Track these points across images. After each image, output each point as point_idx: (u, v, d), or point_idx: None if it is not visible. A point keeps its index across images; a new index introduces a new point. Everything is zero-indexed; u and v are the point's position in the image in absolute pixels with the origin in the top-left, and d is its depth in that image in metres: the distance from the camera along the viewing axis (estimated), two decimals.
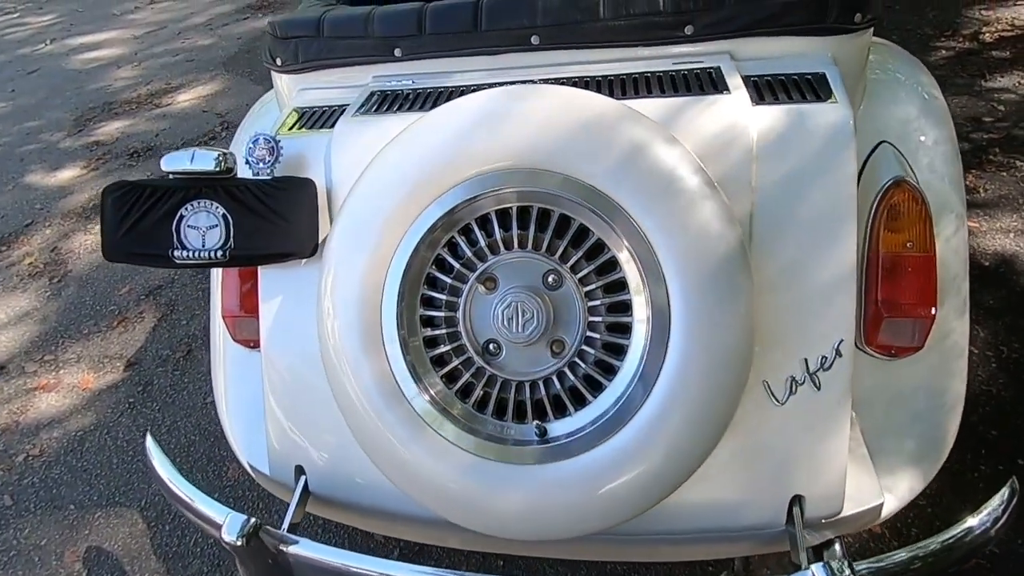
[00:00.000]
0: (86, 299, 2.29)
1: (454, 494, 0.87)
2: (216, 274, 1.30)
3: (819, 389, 0.90)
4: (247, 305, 1.19)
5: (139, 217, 1.01)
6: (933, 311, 0.98)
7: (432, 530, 1.06)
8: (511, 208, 0.88)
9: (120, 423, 1.80)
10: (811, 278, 0.90)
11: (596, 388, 0.87)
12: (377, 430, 0.89)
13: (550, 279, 0.88)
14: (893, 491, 1.00)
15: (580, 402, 0.88)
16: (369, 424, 0.90)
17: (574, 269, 0.87)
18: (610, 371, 0.87)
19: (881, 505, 0.97)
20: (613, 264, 0.86)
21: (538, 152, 0.83)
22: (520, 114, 0.85)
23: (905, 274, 0.98)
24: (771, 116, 0.90)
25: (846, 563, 0.78)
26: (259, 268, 1.07)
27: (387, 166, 0.90)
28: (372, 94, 1.11)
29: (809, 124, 0.89)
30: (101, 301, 2.26)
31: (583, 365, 0.88)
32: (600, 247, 0.86)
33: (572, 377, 0.88)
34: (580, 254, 0.86)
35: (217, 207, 1.00)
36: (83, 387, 1.93)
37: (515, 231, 0.88)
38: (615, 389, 0.86)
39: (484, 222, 0.89)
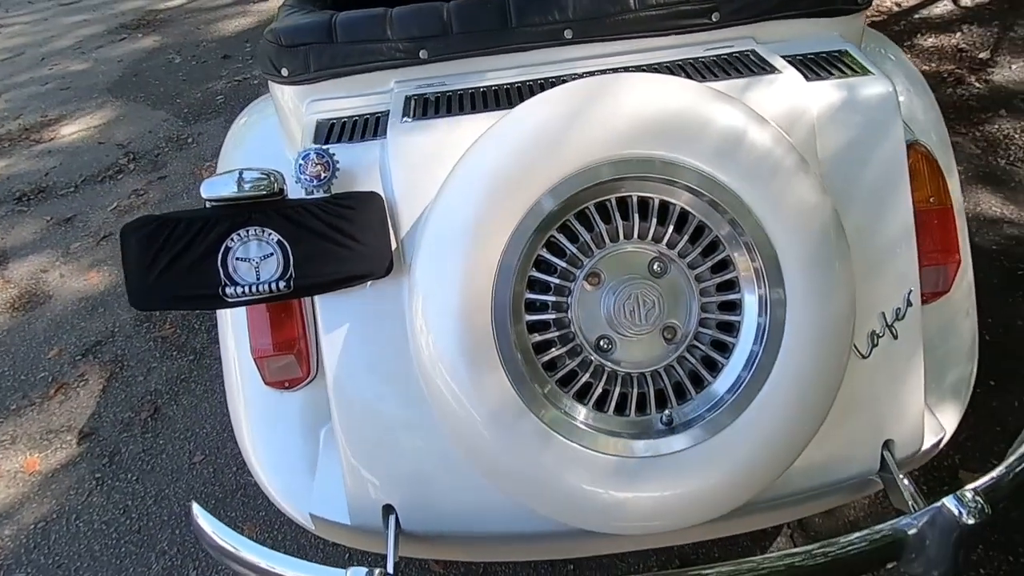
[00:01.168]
0: (4, 371, 1.93)
1: (593, 499, 0.84)
2: (228, 314, 1.16)
3: (896, 338, 0.98)
4: (281, 342, 1.07)
5: (175, 255, 0.87)
6: (958, 256, 1.10)
7: (543, 544, 1.01)
8: (613, 199, 0.86)
9: (91, 504, 1.53)
10: (878, 237, 0.97)
11: (713, 369, 0.88)
12: (503, 449, 0.84)
13: (655, 267, 0.88)
14: (939, 428, 1.11)
15: (697, 385, 0.89)
16: (492, 444, 0.84)
17: (681, 254, 0.87)
18: (725, 350, 0.88)
19: (943, 439, 1.07)
20: (717, 245, 0.88)
21: (642, 139, 0.83)
22: (618, 102, 0.84)
23: (932, 226, 1.09)
24: (825, 91, 0.97)
25: (969, 491, 0.85)
26: (316, 298, 0.96)
27: (481, 168, 0.85)
28: (409, 99, 1.05)
29: (859, 96, 0.97)
30: (25, 370, 1.92)
31: (701, 347, 0.88)
32: (702, 229, 0.87)
33: (692, 360, 0.88)
34: (685, 238, 0.87)
35: (270, 234, 0.89)
36: (29, 471, 1.63)
37: (618, 222, 0.86)
38: (734, 368, 0.87)
39: (583, 217, 0.87)
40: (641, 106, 0.84)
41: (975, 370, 1.18)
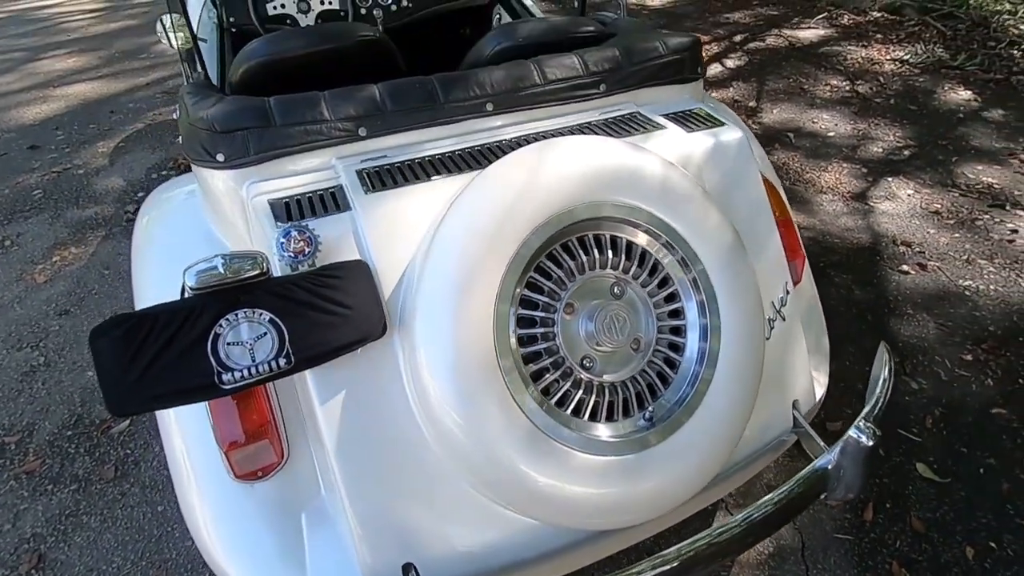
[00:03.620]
0: None
1: (615, 501, 0.96)
2: (174, 412, 1.10)
3: (785, 320, 1.26)
4: (254, 428, 1.05)
5: (158, 352, 0.84)
6: (803, 254, 1.44)
7: (556, 560, 1.09)
8: (574, 239, 1.02)
9: None
10: (757, 245, 1.25)
11: (673, 367, 1.07)
12: (530, 479, 0.92)
13: (615, 290, 1.05)
14: (821, 384, 1.42)
15: (664, 382, 1.06)
16: (519, 477, 0.92)
17: (633, 277, 1.06)
18: (679, 349, 1.08)
19: (823, 392, 1.37)
20: (658, 265, 1.08)
21: (595, 189, 1.01)
22: (576, 158, 1.01)
23: (783, 234, 1.42)
24: (700, 140, 1.25)
25: (862, 421, 1.12)
26: (307, 372, 0.97)
27: (467, 225, 0.95)
28: (360, 172, 1.12)
29: (724, 141, 1.26)
30: None
31: (662, 349, 1.06)
32: (646, 254, 1.07)
33: (658, 362, 1.05)
34: (635, 264, 1.06)
35: (262, 314, 0.89)
36: None
37: (582, 258, 1.02)
38: (689, 361, 1.06)
39: (552, 258, 1.02)
40: (595, 160, 1.02)
41: (827, 339, 1.53)
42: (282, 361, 0.88)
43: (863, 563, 1.52)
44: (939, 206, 2.99)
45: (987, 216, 2.90)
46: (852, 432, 1.11)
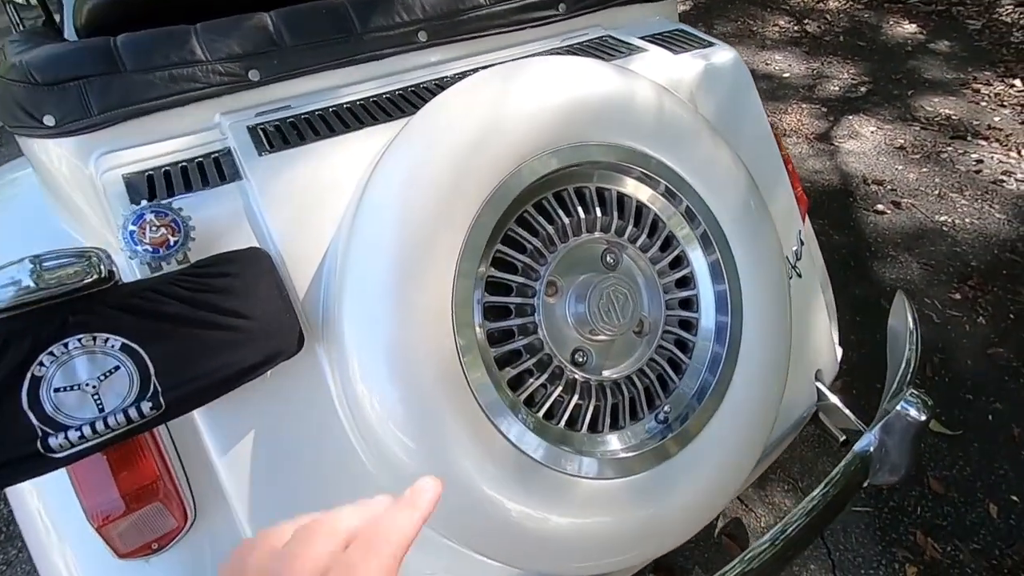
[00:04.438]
0: None
1: (633, 532, 0.73)
2: (24, 485, 0.80)
3: (801, 277, 1.05)
4: (136, 490, 0.76)
5: None
6: (804, 195, 1.23)
7: None
8: (550, 196, 0.77)
9: None
10: (764, 185, 1.02)
11: (686, 350, 0.84)
12: (513, 521, 0.68)
13: (608, 259, 0.81)
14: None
15: (677, 371, 0.83)
16: (498, 519, 0.68)
17: (630, 240, 0.81)
18: (692, 327, 0.85)
19: (841, 358, 1.18)
20: (658, 222, 0.83)
21: (579, 126, 0.75)
22: (540, 89, 0.74)
23: (789, 171, 1.21)
24: (689, 62, 1.00)
25: (910, 393, 0.93)
26: (195, 414, 0.69)
27: (404, 187, 0.68)
28: (253, 129, 0.82)
29: (717, 63, 1.02)
30: None
31: (672, 330, 0.83)
32: (641, 209, 0.83)
33: (668, 347, 0.82)
34: (630, 223, 0.81)
35: (108, 340, 0.60)
36: None
37: (563, 220, 0.77)
38: (706, 340, 0.84)
39: (524, 223, 0.76)
40: (573, 88, 0.76)
41: (832, 293, 1.34)
42: (147, 406, 0.60)
43: (886, 536, 1.37)
44: (903, 141, 2.88)
45: (951, 148, 2.81)
46: (902, 407, 0.91)
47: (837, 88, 3.39)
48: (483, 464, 0.68)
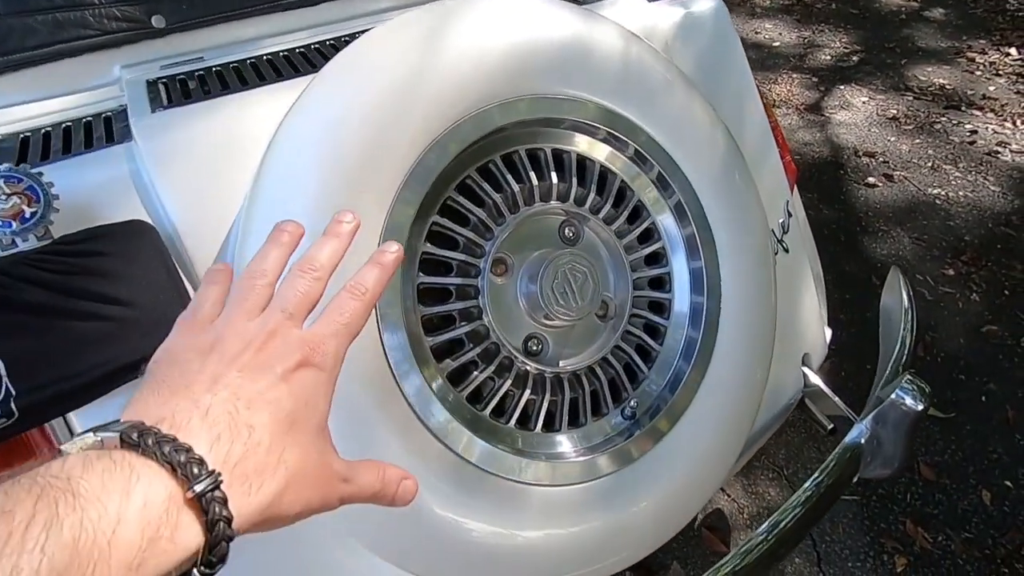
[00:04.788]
0: None
1: (598, 543, 0.64)
2: None
3: (788, 252, 0.95)
4: None
5: None
6: (792, 162, 1.13)
7: None
8: (498, 159, 0.66)
9: None
10: (746, 148, 0.92)
11: (657, 336, 0.74)
12: (460, 539, 0.58)
13: (567, 232, 0.70)
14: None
15: (647, 359, 0.73)
16: (440, 530, 0.58)
17: (593, 210, 0.70)
18: (663, 310, 0.75)
19: (830, 339, 1.09)
20: (625, 190, 0.73)
21: (525, 77, 0.63)
22: (483, 32, 0.63)
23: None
24: (662, 10, 0.88)
25: (906, 379, 0.84)
26: (74, 416, 0.58)
27: (309, 147, 0.57)
28: (154, 83, 0.70)
29: (696, 12, 0.90)
30: None
31: (641, 313, 0.73)
32: (606, 174, 0.72)
33: (639, 333, 0.72)
34: (592, 189, 0.70)
35: None
36: None
37: (512, 187, 0.66)
38: (679, 324, 0.74)
39: (466, 190, 0.65)
40: (521, 33, 0.64)
41: (820, 267, 1.24)
42: None
43: (875, 527, 1.30)
44: (895, 112, 2.78)
45: (944, 118, 2.71)
46: (897, 395, 0.82)
47: (828, 57, 3.27)
48: (418, 475, 0.58)
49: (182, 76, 0.72)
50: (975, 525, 1.30)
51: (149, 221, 0.60)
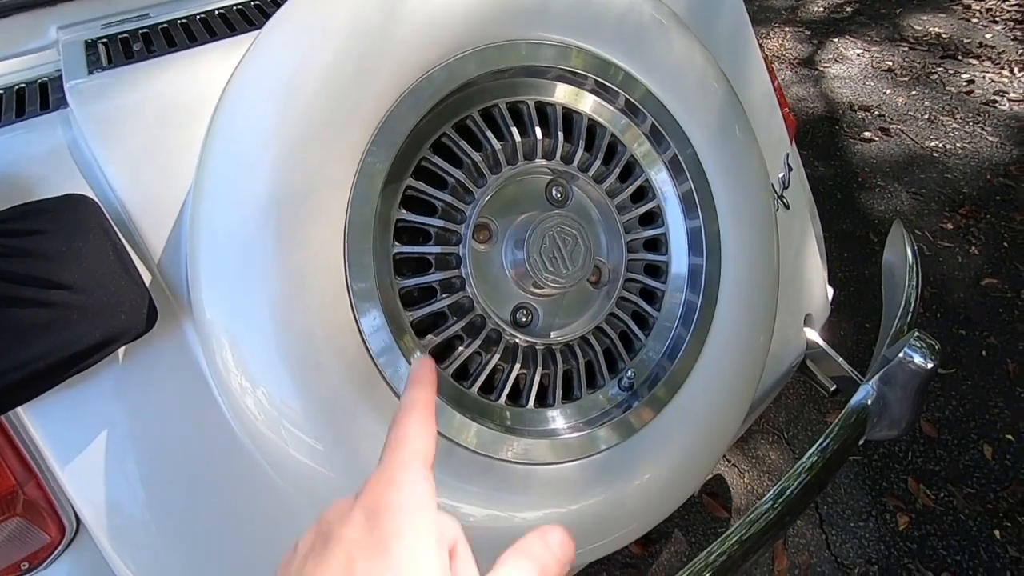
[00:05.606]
0: None
1: (598, 520, 0.60)
2: None
3: (789, 208, 0.90)
4: None
5: None
6: (790, 114, 1.07)
7: None
8: (475, 114, 0.60)
9: None
10: (749, 105, 0.86)
11: (654, 301, 0.69)
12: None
13: (554, 192, 0.65)
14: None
15: (644, 327, 0.69)
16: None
17: (581, 168, 0.65)
18: (660, 273, 0.70)
19: (833, 296, 1.05)
20: (616, 145, 0.67)
21: (504, 20, 0.57)
22: None
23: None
24: None
25: (916, 338, 0.81)
26: (23, 411, 0.54)
27: (263, 103, 0.51)
28: (92, 44, 0.64)
29: None
30: None
31: (636, 278, 0.68)
32: (594, 127, 0.66)
33: (634, 298, 0.68)
34: (580, 145, 0.65)
35: None
36: None
37: (494, 144, 0.60)
38: (678, 287, 0.69)
39: (442, 149, 0.59)
40: None
41: (819, 224, 1.20)
42: None
43: (876, 486, 1.29)
44: (891, 63, 2.70)
45: (941, 69, 2.64)
46: (905, 354, 0.79)
47: (821, 9, 3.17)
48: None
49: (124, 35, 0.66)
50: (976, 480, 1.29)
51: (90, 195, 0.54)
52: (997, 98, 2.42)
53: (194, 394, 0.57)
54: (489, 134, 0.60)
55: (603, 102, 0.66)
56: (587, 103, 0.66)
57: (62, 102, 0.58)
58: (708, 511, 1.25)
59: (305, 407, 0.51)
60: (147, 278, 0.55)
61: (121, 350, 0.55)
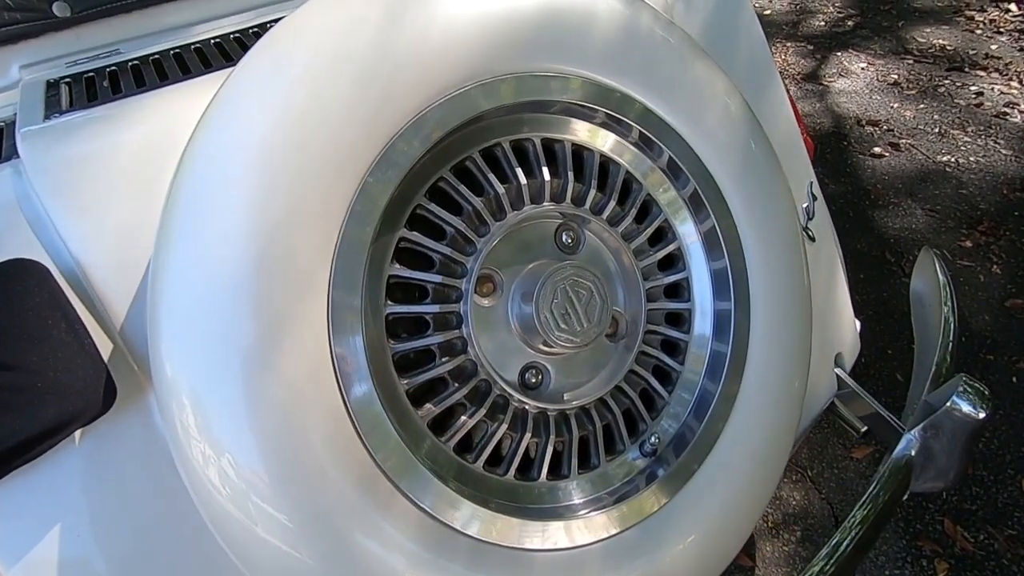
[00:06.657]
0: None
1: None
2: None
3: (814, 241, 0.84)
4: None
5: None
6: (809, 138, 1.01)
7: None
8: (476, 155, 0.54)
9: None
10: (768, 129, 0.80)
11: (676, 354, 0.63)
12: None
13: (564, 238, 0.58)
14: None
15: (666, 383, 0.62)
16: None
17: (594, 211, 0.59)
18: (682, 322, 0.63)
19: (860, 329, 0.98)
20: (631, 182, 0.61)
21: (508, 51, 0.51)
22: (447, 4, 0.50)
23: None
24: None
25: (965, 383, 0.74)
26: None
27: (236, 151, 0.45)
28: (53, 84, 0.58)
29: None
30: None
31: (657, 330, 0.61)
32: (607, 165, 0.60)
33: (655, 352, 0.61)
34: (591, 185, 0.58)
35: None
36: None
37: (496, 188, 0.54)
38: (702, 337, 0.63)
39: (438, 194, 0.53)
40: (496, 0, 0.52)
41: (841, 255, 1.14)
42: None
43: (911, 528, 1.21)
44: (897, 76, 2.66)
45: (948, 81, 2.59)
46: (955, 402, 0.72)
47: (823, 23, 3.14)
48: (396, 548, 0.47)
49: (91, 74, 0.60)
50: (1018, 520, 1.20)
51: (44, 257, 0.48)
52: (1008, 110, 2.36)
53: (164, 478, 0.50)
54: (491, 176, 0.54)
55: (616, 135, 0.60)
56: (598, 138, 0.59)
57: (14, 151, 0.52)
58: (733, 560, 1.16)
59: (273, 478, 0.44)
60: (107, 348, 0.49)
61: (77, 433, 0.48)
